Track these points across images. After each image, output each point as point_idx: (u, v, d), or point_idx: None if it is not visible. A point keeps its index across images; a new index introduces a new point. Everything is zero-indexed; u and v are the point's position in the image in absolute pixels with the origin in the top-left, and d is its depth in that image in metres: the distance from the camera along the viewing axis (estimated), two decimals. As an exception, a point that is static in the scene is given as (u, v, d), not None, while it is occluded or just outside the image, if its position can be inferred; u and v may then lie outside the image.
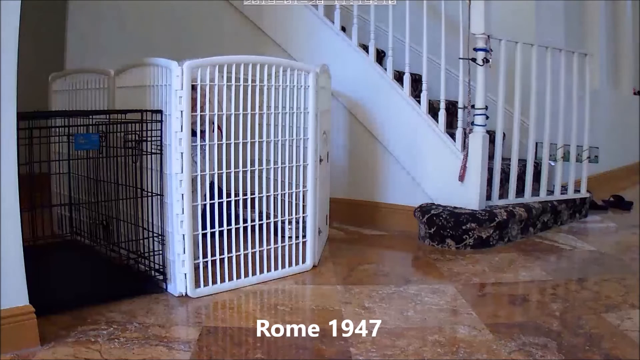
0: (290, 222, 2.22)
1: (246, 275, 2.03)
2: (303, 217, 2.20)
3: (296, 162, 2.15)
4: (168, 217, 1.92)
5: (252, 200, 2.07)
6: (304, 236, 2.21)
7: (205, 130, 1.93)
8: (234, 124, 1.95)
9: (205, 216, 1.93)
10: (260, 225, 2.07)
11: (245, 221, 2.03)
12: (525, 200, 2.91)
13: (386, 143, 3.00)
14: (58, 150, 2.25)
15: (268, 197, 2.10)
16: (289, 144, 2.16)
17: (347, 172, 3.13)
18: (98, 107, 2.30)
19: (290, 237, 2.20)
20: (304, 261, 2.21)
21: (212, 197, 1.94)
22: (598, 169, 3.66)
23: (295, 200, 2.19)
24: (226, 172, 1.96)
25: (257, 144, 2.04)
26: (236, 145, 1.97)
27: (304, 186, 2.18)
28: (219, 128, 1.96)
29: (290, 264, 2.17)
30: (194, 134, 1.89)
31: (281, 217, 2.14)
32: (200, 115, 1.89)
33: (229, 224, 1.98)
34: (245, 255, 2.04)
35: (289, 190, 2.15)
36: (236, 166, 1.97)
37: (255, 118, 2.04)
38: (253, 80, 1.99)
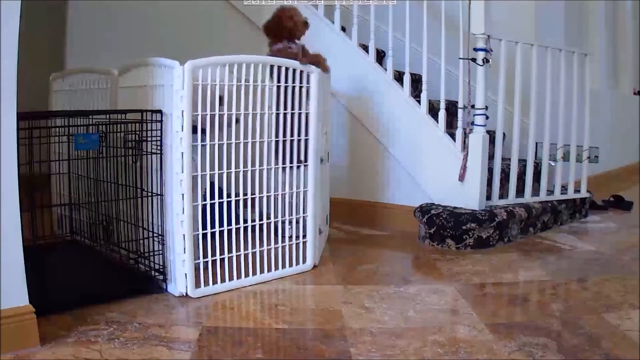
0: (290, 222, 2.23)
1: (246, 275, 2.03)
2: (304, 217, 2.20)
3: (297, 162, 2.15)
4: (168, 217, 1.92)
5: (253, 200, 2.07)
6: (304, 236, 2.21)
7: (205, 130, 1.93)
8: (225, 125, 1.96)
9: (205, 216, 1.93)
10: (261, 225, 2.07)
11: (245, 221, 2.03)
12: (525, 200, 2.91)
13: (386, 143, 3.00)
14: (58, 150, 2.25)
15: (268, 197, 2.10)
16: (289, 144, 2.16)
17: (347, 172, 3.13)
18: (100, 107, 2.30)
19: (290, 237, 2.20)
20: (304, 261, 2.21)
21: (212, 197, 1.94)
22: (598, 169, 3.66)
23: (296, 200, 2.19)
24: (227, 172, 1.96)
25: (257, 144, 2.04)
26: (237, 145, 1.97)
27: (305, 186, 2.19)
28: (203, 130, 1.95)
29: (290, 264, 2.18)
30: (195, 131, 1.89)
31: (281, 217, 2.14)
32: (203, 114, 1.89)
33: (229, 224, 1.98)
34: (246, 256, 2.04)
35: (289, 190, 2.16)
36: (237, 166, 1.98)
37: (257, 118, 2.04)
38: (254, 80, 2.00)
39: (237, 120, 1.98)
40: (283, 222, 2.20)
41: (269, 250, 2.10)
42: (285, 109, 2.12)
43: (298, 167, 2.18)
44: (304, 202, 2.20)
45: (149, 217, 1.99)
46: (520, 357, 1.49)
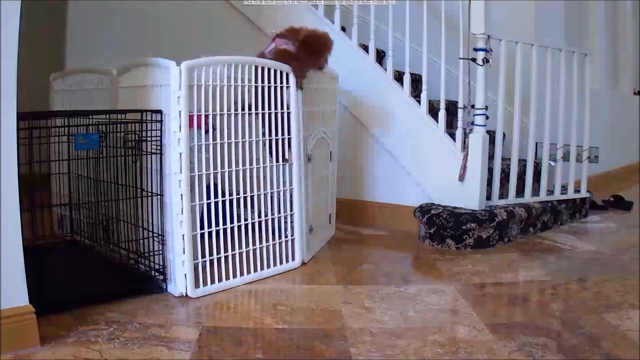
0: (286, 221, 2.25)
1: (241, 274, 2.05)
2: (291, 214, 2.23)
3: (282, 161, 2.18)
4: (168, 217, 1.92)
5: (247, 199, 2.09)
6: (292, 234, 2.24)
7: (209, 130, 1.94)
8: (226, 124, 1.97)
9: (203, 216, 1.93)
10: (254, 224, 2.09)
11: (239, 220, 2.05)
12: (525, 200, 2.91)
13: (386, 143, 3.00)
14: (58, 150, 2.25)
15: (259, 195, 2.12)
16: (274, 143, 2.17)
17: (347, 172, 3.13)
18: (100, 107, 2.30)
19: (287, 235, 2.23)
20: (293, 259, 2.24)
21: (208, 197, 1.95)
22: (598, 169, 3.66)
23: (283, 198, 2.21)
24: (221, 172, 1.98)
25: (247, 144, 2.06)
26: (229, 145, 1.99)
27: (290, 184, 2.21)
28: (214, 127, 1.97)
29: (281, 262, 2.20)
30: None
31: (271, 215, 2.17)
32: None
33: (224, 223, 1.99)
34: (240, 254, 2.05)
35: (277, 188, 2.18)
36: (229, 166, 2.00)
37: (246, 117, 2.06)
38: (249, 80, 2.02)
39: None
40: (280, 221, 2.22)
41: (261, 249, 2.12)
42: (269, 108, 2.13)
43: (283, 165, 2.20)
44: (291, 200, 2.23)
45: (149, 217, 1.99)
46: (520, 357, 1.49)
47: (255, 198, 2.10)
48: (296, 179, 2.22)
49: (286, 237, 2.23)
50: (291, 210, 2.23)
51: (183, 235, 1.87)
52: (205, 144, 1.92)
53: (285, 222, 2.24)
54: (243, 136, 2.04)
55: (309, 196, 2.32)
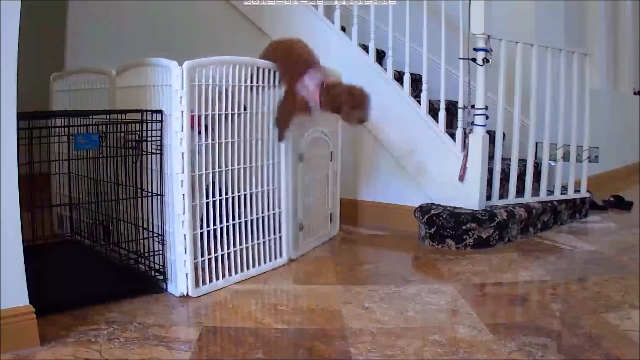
0: (274, 219, 2.26)
1: (236, 272, 2.06)
2: (278, 212, 2.25)
3: (272, 160, 2.21)
4: (168, 217, 1.92)
5: (239, 197, 2.10)
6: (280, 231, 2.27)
7: (202, 131, 1.95)
8: (223, 124, 1.98)
9: (202, 215, 1.94)
10: (245, 222, 2.11)
11: (234, 219, 2.06)
12: (525, 200, 2.91)
13: (386, 143, 3.00)
14: (58, 150, 2.25)
15: (252, 194, 2.13)
16: (266, 142, 2.18)
17: (347, 172, 3.13)
18: (99, 107, 2.30)
19: (274, 233, 2.24)
20: (280, 256, 2.27)
21: (207, 196, 1.96)
22: (598, 169, 3.67)
23: (273, 197, 2.23)
24: (219, 171, 1.98)
25: (242, 143, 2.07)
26: (226, 144, 2.00)
27: (278, 183, 2.24)
28: (206, 128, 1.97)
29: (270, 259, 2.22)
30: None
31: (257, 214, 2.18)
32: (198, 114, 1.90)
33: (222, 222, 2.00)
34: (235, 252, 2.07)
35: (267, 187, 2.19)
36: (226, 165, 2.01)
37: (241, 117, 2.07)
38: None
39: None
40: (269, 219, 2.23)
41: (252, 247, 2.15)
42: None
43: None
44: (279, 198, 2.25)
45: (149, 217, 1.99)
46: (520, 357, 1.49)
47: (247, 197, 2.11)
48: (284, 176, 2.25)
49: (274, 234, 2.24)
50: (279, 208, 2.24)
51: (184, 235, 1.87)
52: (200, 145, 1.92)
53: (273, 221, 2.25)
54: (238, 136, 2.05)
55: (299, 195, 2.34)
